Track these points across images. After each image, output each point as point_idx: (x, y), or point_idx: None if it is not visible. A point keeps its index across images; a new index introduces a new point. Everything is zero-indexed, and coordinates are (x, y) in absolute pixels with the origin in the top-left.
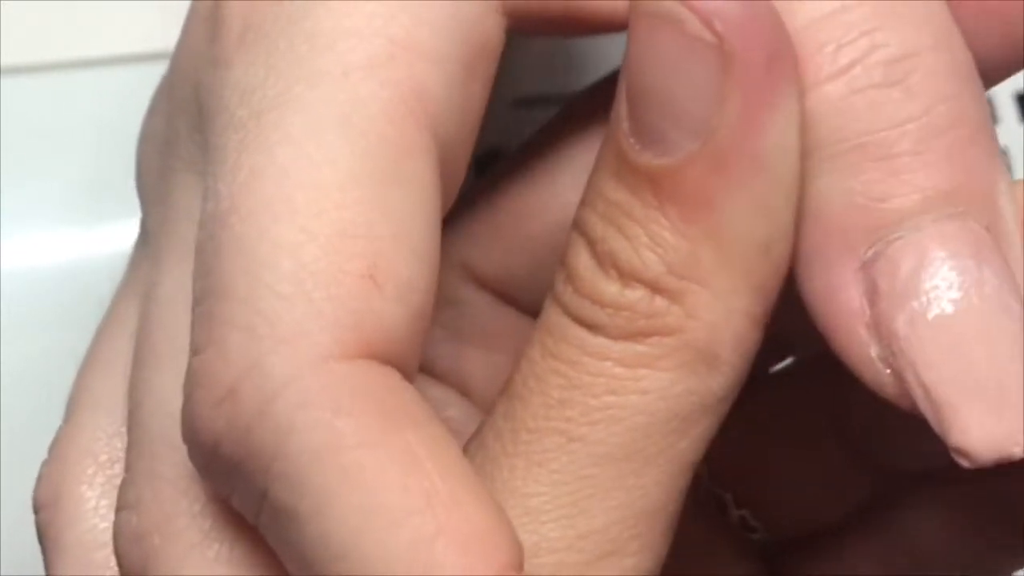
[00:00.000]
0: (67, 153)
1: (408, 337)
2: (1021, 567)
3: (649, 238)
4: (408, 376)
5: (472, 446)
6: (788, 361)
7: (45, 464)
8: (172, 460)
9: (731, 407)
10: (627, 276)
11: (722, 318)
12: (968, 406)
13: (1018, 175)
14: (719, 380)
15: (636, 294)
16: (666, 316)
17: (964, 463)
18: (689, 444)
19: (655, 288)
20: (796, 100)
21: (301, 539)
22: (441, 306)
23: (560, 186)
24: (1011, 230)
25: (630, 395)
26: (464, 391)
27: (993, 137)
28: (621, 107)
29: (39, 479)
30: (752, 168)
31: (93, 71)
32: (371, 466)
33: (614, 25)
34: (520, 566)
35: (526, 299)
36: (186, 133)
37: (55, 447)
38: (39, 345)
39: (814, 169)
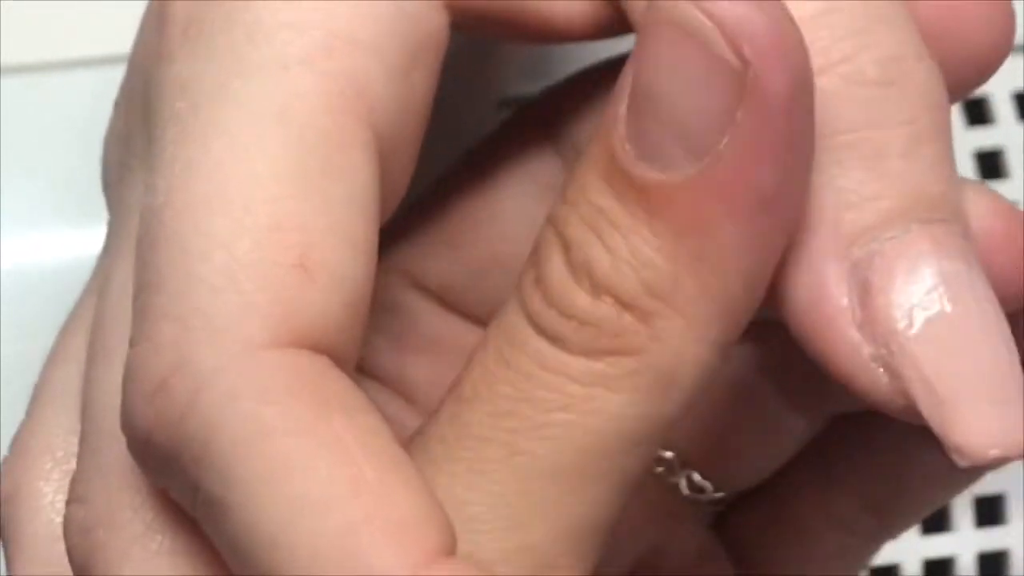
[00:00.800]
0: (67, 153)
1: (342, 326)
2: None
3: (630, 252)
4: (344, 365)
5: (414, 446)
6: None
7: (6, 459)
8: (117, 454)
9: None
10: (600, 289)
11: (689, 346)
12: (971, 404)
13: (1017, 175)
14: (672, 406)
15: (606, 309)
16: (631, 336)
17: (963, 462)
18: (634, 464)
19: (627, 305)
20: (812, 130)
21: (232, 530)
22: (384, 313)
23: (503, 195)
24: (974, 241)
25: (582, 414)
26: (409, 399)
27: (953, 150)
28: (620, 108)
29: (1, 474)
30: (754, 202)
31: (93, 71)
32: (298, 454)
33: (556, 34)
34: (451, 552)
35: (469, 306)
36: (139, 129)
37: (16, 442)
38: (39, 345)
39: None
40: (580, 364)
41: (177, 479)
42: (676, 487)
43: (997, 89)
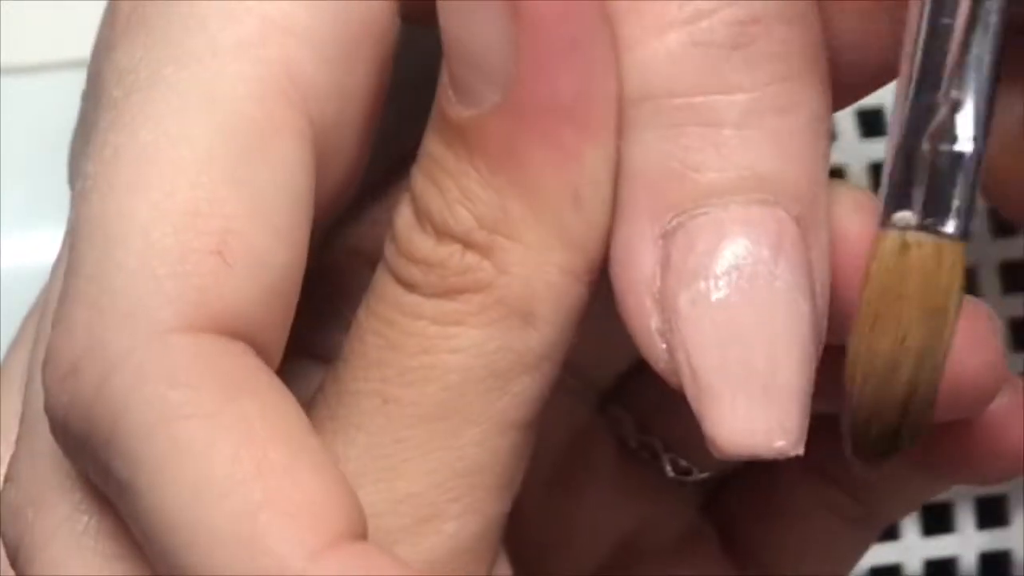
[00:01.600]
0: (66, 153)
1: (262, 313)
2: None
3: (460, 192)
4: (265, 351)
5: (305, 410)
6: None
7: None
8: (48, 436)
9: None
10: (441, 232)
11: (535, 273)
12: (729, 398)
13: None
14: (536, 337)
15: (448, 249)
16: (477, 272)
17: (714, 452)
18: (509, 402)
19: (466, 243)
20: (602, 47)
21: (139, 512)
22: (341, 295)
23: None
24: (820, 223)
25: (442, 354)
26: None
27: (826, 132)
28: (443, 60)
29: None
30: (552, 118)
31: None
32: (202, 437)
33: None
34: (360, 535)
35: None
36: (91, 118)
37: None
38: None
39: (640, 119)
40: (434, 305)
41: (91, 462)
42: (661, 470)
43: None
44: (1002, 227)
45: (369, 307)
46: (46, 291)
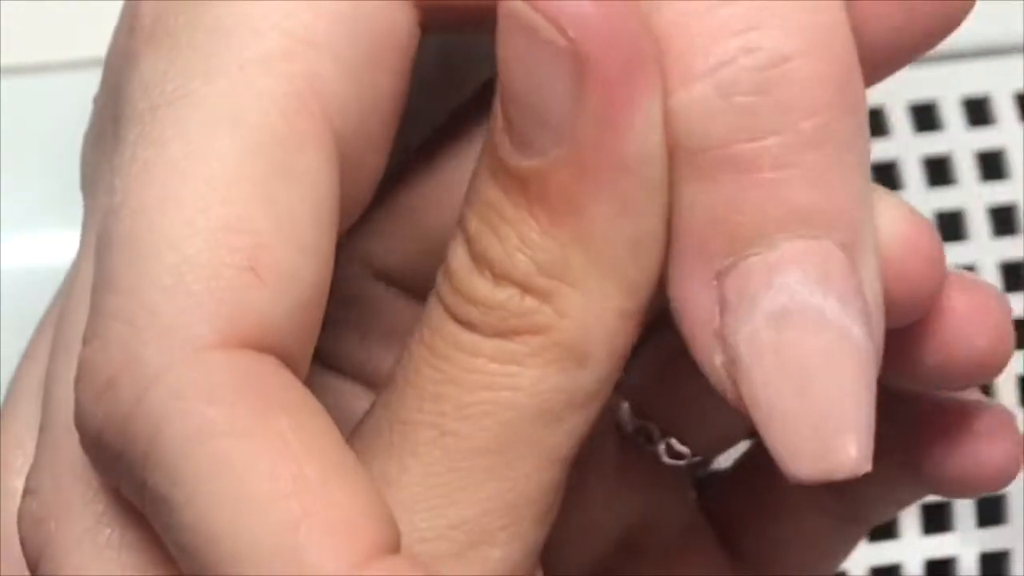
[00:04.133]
0: (67, 153)
1: (291, 328)
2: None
3: (519, 239)
4: (294, 366)
5: (352, 436)
6: None
7: None
8: (71, 447)
9: (642, 338)
10: (499, 276)
11: (593, 317)
12: (795, 429)
13: (1017, 175)
14: (589, 377)
15: (507, 293)
16: (536, 316)
17: (789, 479)
18: (560, 438)
19: (525, 288)
20: (657, 101)
21: (177, 527)
22: (348, 305)
23: (459, 173)
24: (867, 248)
25: (502, 391)
26: (376, 389)
27: (864, 150)
28: (497, 105)
29: None
30: (615, 171)
31: (93, 71)
32: (240, 453)
33: None
34: (394, 548)
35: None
36: (109, 129)
37: None
38: None
39: (680, 171)
40: (494, 345)
41: (126, 476)
42: (657, 459)
43: (997, 89)
44: (1002, 227)
45: (424, 341)
46: (59, 302)
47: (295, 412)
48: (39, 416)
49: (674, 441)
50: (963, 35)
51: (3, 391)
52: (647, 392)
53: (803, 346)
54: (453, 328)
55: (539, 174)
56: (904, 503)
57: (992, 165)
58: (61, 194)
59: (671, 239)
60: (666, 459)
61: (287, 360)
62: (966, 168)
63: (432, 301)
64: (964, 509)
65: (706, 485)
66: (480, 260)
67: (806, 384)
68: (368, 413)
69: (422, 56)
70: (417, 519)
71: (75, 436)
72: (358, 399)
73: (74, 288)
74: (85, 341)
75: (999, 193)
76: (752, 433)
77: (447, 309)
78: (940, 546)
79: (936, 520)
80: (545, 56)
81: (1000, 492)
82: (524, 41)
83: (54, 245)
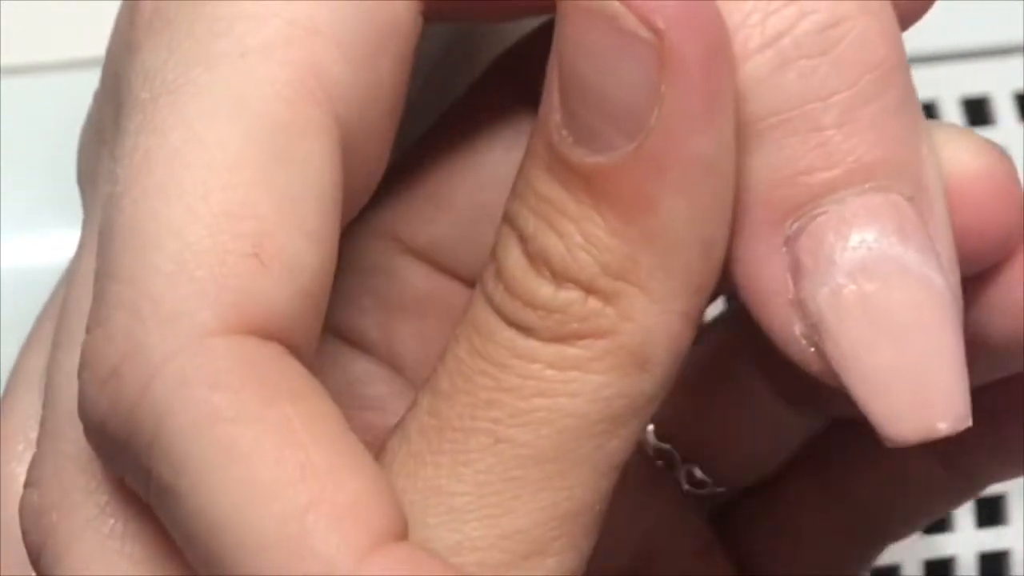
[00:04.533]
0: (67, 153)
1: (296, 314)
2: (952, 508)
3: (583, 237)
4: (298, 352)
5: (395, 440)
6: (718, 310)
7: None
8: (74, 438)
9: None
10: (560, 276)
11: (657, 320)
12: (889, 389)
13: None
14: (650, 381)
15: (570, 295)
16: (599, 318)
17: (888, 443)
18: (618, 445)
19: (589, 289)
20: (734, 95)
21: (182, 516)
22: (371, 278)
23: (480, 145)
24: (934, 197)
25: (559, 398)
26: (395, 364)
27: (916, 99)
28: (553, 97)
29: None
30: (694, 170)
31: (93, 71)
32: (246, 440)
33: (532, 7)
34: (401, 536)
35: (455, 265)
36: (110, 119)
37: None
38: None
39: (742, 146)
40: (553, 350)
41: (131, 466)
42: (676, 482)
43: (997, 89)
44: None
45: (474, 346)
46: (59, 292)
47: (301, 398)
48: (40, 406)
49: (696, 469)
50: (963, 35)
51: (3, 391)
52: (672, 415)
53: (890, 298)
54: (508, 334)
55: (607, 170)
56: (919, 524)
57: None
58: (61, 194)
59: (733, 215)
60: (686, 486)
61: (291, 346)
62: None
63: (480, 303)
64: (964, 509)
65: (721, 508)
66: (538, 259)
67: (899, 337)
68: (409, 417)
69: (424, 45)
70: (469, 528)
71: (77, 426)
72: (376, 379)
73: (76, 277)
74: (88, 330)
75: None
76: (778, 464)
77: (499, 313)
78: (939, 546)
79: (935, 521)
80: (622, 47)
81: (1000, 492)
82: (598, 32)
83: (54, 245)
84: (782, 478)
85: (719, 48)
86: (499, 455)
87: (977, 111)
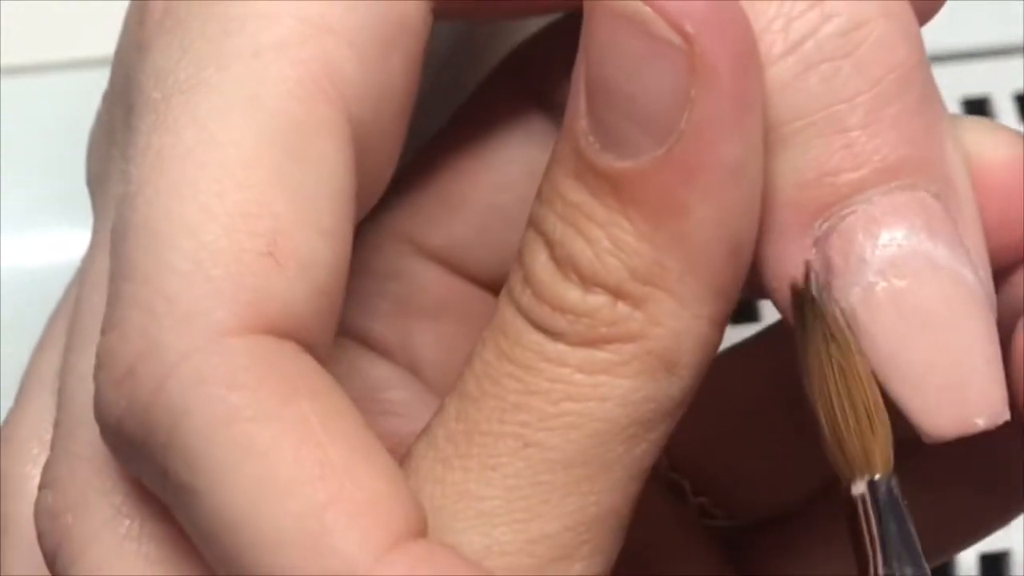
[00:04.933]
0: (67, 153)
1: (311, 313)
2: (972, 544)
3: (611, 242)
4: (314, 350)
5: (422, 445)
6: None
7: None
8: (89, 439)
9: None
10: (588, 281)
11: (685, 324)
12: (926, 386)
13: None
14: (678, 385)
15: (598, 300)
16: (628, 323)
17: (927, 439)
18: (646, 449)
19: (617, 294)
20: (762, 99)
21: (200, 514)
22: (387, 281)
23: (492, 146)
24: (961, 192)
25: (588, 402)
26: (413, 367)
27: (938, 97)
28: (579, 103)
29: None
30: (723, 174)
31: (93, 71)
32: (264, 438)
33: (540, 6)
34: (420, 533)
35: (470, 266)
36: (120, 120)
37: (4, 427)
38: None
39: (768, 150)
40: (581, 354)
41: (147, 465)
42: (689, 513)
43: (997, 89)
44: None
45: (501, 350)
46: (71, 292)
47: (318, 396)
48: (54, 407)
49: (706, 501)
50: (963, 35)
51: (3, 390)
52: (683, 447)
53: (922, 293)
54: (536, 337)
55: (635, 175)
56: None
57: None
58: (61, 193)
59: (761, 219)
60: (697, 518)
61: (307, 345)
62: None
63: (507, 307)
64: None
65: (737, 538)
66: (565, 264)
67: (933, 331)
68: (436, 422)
69: (432, 44)
70: (497, 532)
71: (92, 427)
72: (393, 381)
73: (88, 277)
74: (104, 330)
75: None
76: (797, 497)
77: (527, 317)
78: None
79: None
80: (651, 52)
81: None
82: (627, 37)
83: (54, 244)
84: (799, 513)
85: (748, 52)
86: (528, 459)
87: (977, 111)
